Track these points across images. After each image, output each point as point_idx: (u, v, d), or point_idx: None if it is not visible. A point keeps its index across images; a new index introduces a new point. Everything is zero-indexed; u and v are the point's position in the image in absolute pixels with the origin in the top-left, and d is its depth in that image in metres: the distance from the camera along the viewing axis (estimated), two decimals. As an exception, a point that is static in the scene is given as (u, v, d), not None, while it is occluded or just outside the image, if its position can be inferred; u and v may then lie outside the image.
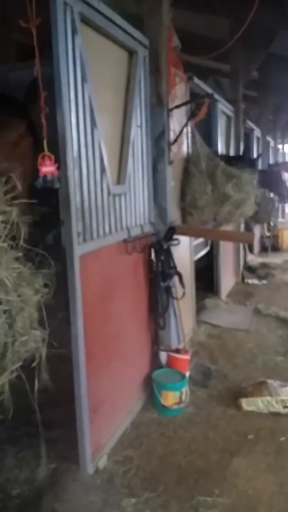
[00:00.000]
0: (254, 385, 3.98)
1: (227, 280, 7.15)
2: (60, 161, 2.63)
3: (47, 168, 2.50)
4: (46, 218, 2.77)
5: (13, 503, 2.73)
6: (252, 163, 6.56)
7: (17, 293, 1.33)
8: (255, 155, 9.11)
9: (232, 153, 7.26)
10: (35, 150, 2.67)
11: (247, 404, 3.77)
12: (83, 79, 2.82)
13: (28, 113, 2.79)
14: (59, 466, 3.03)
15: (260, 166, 8.25)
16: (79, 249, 2.81)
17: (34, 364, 1.52)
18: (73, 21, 2.70)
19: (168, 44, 4.02)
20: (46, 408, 3.49)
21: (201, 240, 5.94)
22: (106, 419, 3.23)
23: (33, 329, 1.44)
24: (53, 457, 3.11)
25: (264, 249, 10.32)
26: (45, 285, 1.49)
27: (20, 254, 1.45)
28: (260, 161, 7.56)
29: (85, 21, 2.90)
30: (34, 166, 2.54)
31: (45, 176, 2.49)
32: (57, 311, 2.27)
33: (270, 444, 3.32)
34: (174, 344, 4.28)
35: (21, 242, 1.41)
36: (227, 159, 5.70)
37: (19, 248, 1.43)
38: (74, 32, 2.71)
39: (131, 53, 3.66)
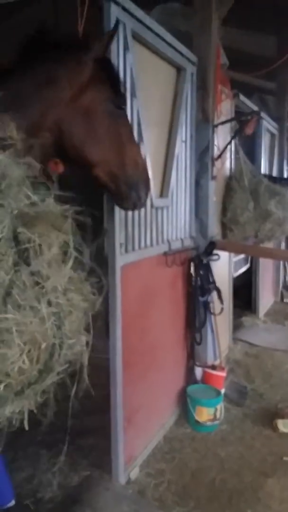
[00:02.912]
0: (291, 406, 3.90)
1: (265, 298, 7.05)
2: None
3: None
4: (91, 227, 2.82)
5: (45, 507, 2.76)
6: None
7: (66, 297, 1.38)
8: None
9: (275, 171, 7.22)
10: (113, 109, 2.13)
11: (283, 425, 3.69)
12: (132, 94, 2.89)
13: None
14: (91, 474, 3.05)
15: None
16: (121, 259, 2.85)
17: (76, 368, 1.55)
18: (125, 38, 2.79)
19: (216, 61, 4.06)
20: (80, 416, 3.55)
21: (241, 256, 5.91)
22: (140, 430, 3.23)
23: (80, 334, 1.48)
24: (86, 464, 3.13)
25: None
26: (93, 293, 1.54)
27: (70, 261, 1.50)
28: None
29: (136, 37, 2.98)
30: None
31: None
32: (96, 319, 2.31)
33: (306, 468, 3.24)
34: (210, 360, 4.25)
35: (71, 250, 1.45)
36: (270, 179, 5.66)
37: (69, 255, 1.48)
38: (125, 48, 2.80)
39: (179, 69, 3.73)
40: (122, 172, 2.18)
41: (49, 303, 1.30)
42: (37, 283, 1.28)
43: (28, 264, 1.26)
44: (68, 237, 1.38)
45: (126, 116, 2.33)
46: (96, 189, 2.54)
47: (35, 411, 1.49)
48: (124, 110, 2.29)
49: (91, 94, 2.04)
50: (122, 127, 2.20)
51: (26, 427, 1.42)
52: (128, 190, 2.24)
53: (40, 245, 1.27)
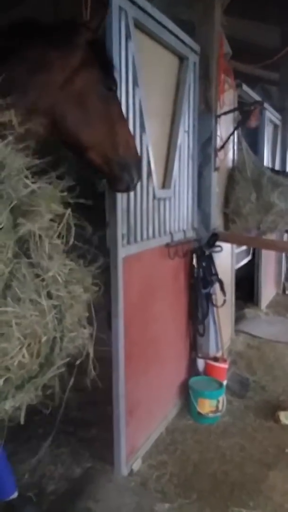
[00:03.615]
0: (293, 398, 3.90)
1: (267, 290, 7.03)
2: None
3: None
4: (92, 218, 2.80)
5: (48, 499, 2.76)
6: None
7: (67, 289, 1.36)
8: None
9: (278, 161, 7.16)
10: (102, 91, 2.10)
11: (285, 417, 3.68)
12: (135, 84, 2.85)
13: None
14: (94, 465, 3.06)
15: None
16: (123, 251, 2.83)
17: (79, 362, 1.54)
18: (127, 26, 2.74)
19: (219, 50, 4.01)
20: (82, 408, 3.55)
21: (243, 248, 5.88)
22: (142, 422, 3.23)
23: (81, 327, 1.46)
24: (88, 456, 3.13)
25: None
26: (94, 284, 1.52)
27: (70, 251, 1.49)
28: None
29: (139, 26, 2.94)
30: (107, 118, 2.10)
31: None
32: (98, 311, 2.30)
33: (308, 460, 3.23)
34: (212, 352, 4.24)
35: (71, 240, 1.44)
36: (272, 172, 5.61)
37: (69, 245, 1.46)
38: (127, 37, 2.75)
39: (182, 58, 3.68)
40: (114, 154, 2.20)
41: (50, 296, 1.28)
42: (37, 275, 1.26)
43: (28, 256, 1.24)
44: (68, 224, 1.36)
45: (116, 97, 2.33)
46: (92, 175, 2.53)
47: (35, 404, 1.48)
48: (115, 91, 2.29)
49: (84, 76, 2.04)
50: (113, 109, 2.21)
51: (22, 422, 1.40)
52: (120, 171, 2.26)
53: (40, 236, 1.25)
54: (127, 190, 2.46)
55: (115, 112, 2.21)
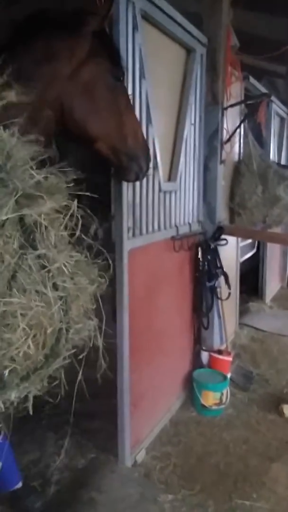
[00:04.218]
0: (297, 392, 3.90)
1: (272, 284, 7.02)
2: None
3: None
4: (98, 211, 2.80)
5: (52, 489, 2.78)
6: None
7: (73, 281, 1.36)
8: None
9: (284, 154, 7.12)
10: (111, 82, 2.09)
11: (289, 410, 3.70)
12: (141, 75, 2.84)
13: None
14: (97, 456, 3.08)
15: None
16: (128, 244, 2.83)
17: (84, 354, 1.55)
18: (134, 17, 2.72)
19: (226, 42, 3.98)
20: (86, 399, 3.56)
21: (247, 241, 5.87)
22: (146, 414, 3.25)
23: (87, 318, 1.47)
24: (92, 447, 3.15)
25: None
26: (100, 276, 1.52)
27: (76, 243, 1.49)
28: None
29: (146, 17, 2.92)
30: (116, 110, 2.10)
31: None
32: (103, 304, 2.30)
33: (312, 453, 3.24)
34: (216, 345, 4.25)
35: (78, 232, 1.44)
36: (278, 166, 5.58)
37: (75, 237, 1.46)
38: (134, 28, 2.73)
39: (189, 51, 3.65)
40: (123, 145, 2.20)
41: (56, 287, 1.28)
42: (43, 267, 1.26)
43: (34, 247, 1.24)
44: (74, 215, 1.36)
45: (124, 88, 2.32)
46: (101, 168, 2.53)
47: (41, 395, 1.49)
48: (123, 81, 2.28)
49: (91, 67, 2.03)
50: (121, 99, 2.20)
51: (31, 412, 1.41)
52: (129, 161, 2.27)
53: (46, 227, 1.25)
54: (136, 180, 2.49)
55: (123, 102, 2.20)
